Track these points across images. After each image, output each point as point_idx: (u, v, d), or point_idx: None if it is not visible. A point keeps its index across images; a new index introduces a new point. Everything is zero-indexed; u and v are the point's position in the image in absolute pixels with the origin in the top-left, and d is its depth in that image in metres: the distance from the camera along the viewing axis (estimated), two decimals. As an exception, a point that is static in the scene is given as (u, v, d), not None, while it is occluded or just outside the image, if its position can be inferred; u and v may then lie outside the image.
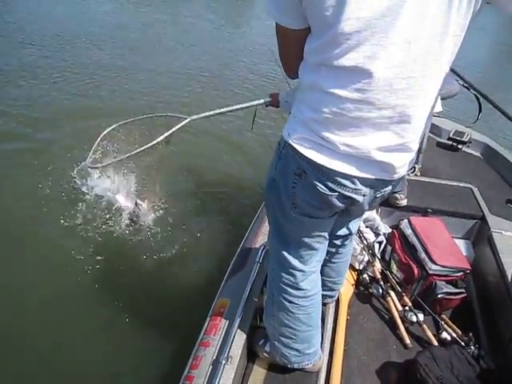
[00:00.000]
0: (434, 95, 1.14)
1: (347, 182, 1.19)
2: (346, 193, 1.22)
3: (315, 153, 1.17)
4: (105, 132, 2.20)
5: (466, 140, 3.22)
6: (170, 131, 1.88)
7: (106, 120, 2.79)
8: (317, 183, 1.21)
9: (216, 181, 3.94)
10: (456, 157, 3.17)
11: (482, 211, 2.61)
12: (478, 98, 3.17)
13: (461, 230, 2.62)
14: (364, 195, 1.25)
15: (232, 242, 2.63)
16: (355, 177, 1.18)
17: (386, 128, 1.12)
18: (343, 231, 1.68)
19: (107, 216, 3.23)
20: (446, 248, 2.28)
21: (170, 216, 3.34)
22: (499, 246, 2.36)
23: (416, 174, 2.87)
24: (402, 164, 1.22)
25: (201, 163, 4.13)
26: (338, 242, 1.72)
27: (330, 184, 1.20)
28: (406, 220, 2.39)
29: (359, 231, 2.32)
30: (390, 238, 2.40)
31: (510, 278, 2.13)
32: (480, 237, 2.57)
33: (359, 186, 1.21)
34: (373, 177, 1.20)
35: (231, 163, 4.27)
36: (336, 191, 1.21)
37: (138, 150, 1.89)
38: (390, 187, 1.32)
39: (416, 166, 2.88)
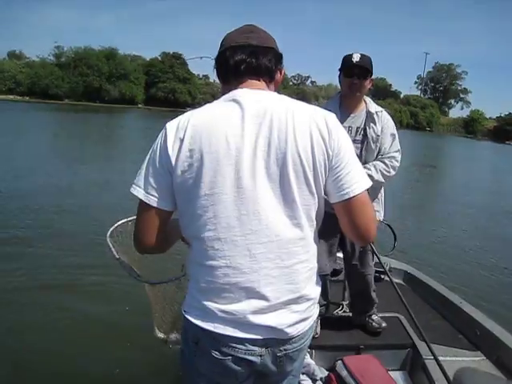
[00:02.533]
0: (299, 258, 1.23)
1: (237, 345, 1.22)
2: (238, 355, 1.23)
3: (201, 320, 1.23)
4: (116, 224, 2.01)
5: (387, 269, 3.41)
6: None
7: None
8: (210, 349, 1.23)
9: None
10: (379, 287, 3.32)
11: (412, 339, 2.68)
12: (390, 227, 3.40)
13: (395, 362, 2.64)
14: (260, 355, 1.25)
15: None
16: (242, 339, 1.21)
17: (256, 291, 1.19)
18: None
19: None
20: (382, 385, 2.30)
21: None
22: (433, 374, 2.39)
23: (345, 311, 2.95)
24: (287, 323, 1.23)
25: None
26: None
27: (222, 348, 1.22)
28: (340, 361, 2.40)
29: (296, 380, 2.30)
30: (327, 382, 2.37)
31: None
32: (415, 366, 2.60)
33: (250, 347, 1.23)
34: (261, 337, 1.22)
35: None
36: (229, 354, 1.22)
37: None
38: (292, 345, 1.29)
39: (343, 302, 2.98)
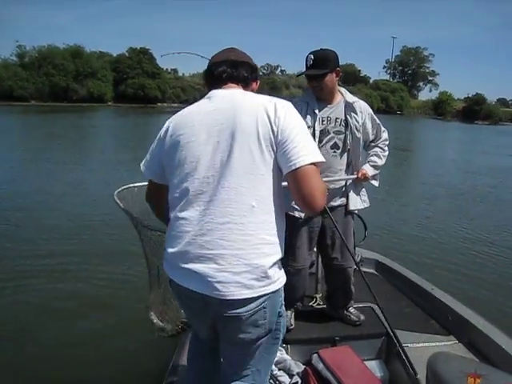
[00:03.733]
0: (231, 218, 1.42)
1: (183, 288, 1.49)
2: (186, 298, 1.53)
3: (165, 266, 1.56)
4: (119, 189, 2.11)
5: (358, 260, 3.42)
6: None
7: None
8: (175, 290, 1.56)
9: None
10: None
11: (386, 328, 2.71)
12: (360, 217, 3.40)
13: (371, 351, 2.67)
14: (199, 301, 1.47)
15: None
16: (184, 286, 1.48)
17: (195, 239, 1.44)
18: None
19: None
20: (359, 376, 2.31)
21: None
22: (408, 361, 2.44)
23: (319, 304, 2.96)
24: (215, 278, 1.40)
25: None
26: None
27: (177, 288, 1.52)
28: (315, 355, 2.42)
29: (273, 376, 2.30)
30: (304, 377, 2.38)
31: None
32: (390, 354, 2.63)
33: (190, 294, 1.47)
34: (197, 287, 1.44)
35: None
36: (182, 295, 1.54)
37: None
38: (228, 308, 1.43)
39: (316, 295, 2.99)
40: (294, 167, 1.39)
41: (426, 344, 2.58)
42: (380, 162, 2.74)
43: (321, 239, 2.71)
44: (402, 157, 17.51)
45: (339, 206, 2.69)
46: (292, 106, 1.51)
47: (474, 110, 63.29)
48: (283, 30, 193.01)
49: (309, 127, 2.52)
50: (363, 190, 2.76)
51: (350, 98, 2.63)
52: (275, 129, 1.42)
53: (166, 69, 54.81)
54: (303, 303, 2.90)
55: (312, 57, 2.48)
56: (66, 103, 40.22)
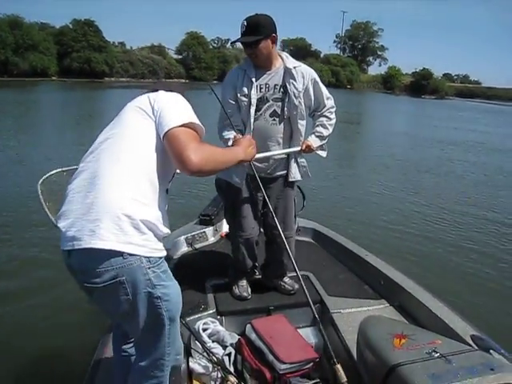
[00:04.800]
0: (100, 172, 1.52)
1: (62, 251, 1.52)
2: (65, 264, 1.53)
3: None
4: (44, 177, 2.05)
5: (296, 228, 3.43)
6: None
7: None
8: None
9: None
10: None
11: (320, 295, 2.75)
12: (299, 187, 3.38)
13: (306, 319, 2.70)
14: (73, 273, 1.52)
15: None
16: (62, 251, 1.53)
17: (71, 196, 1.54)
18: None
19: None
20: (291, 343, 2.34)
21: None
22: (340, 325, 2.49)
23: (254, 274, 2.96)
24: (75, 228, 1.44)
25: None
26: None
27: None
28: (249, 325, 2.42)
29: (206, 348, 2.29)
30: (238, 347, 2.38)
31: (355, 355, 2.22)
32: (324, 320, 2.67)
33: (65, 259, 1.52)
34: (64, 248, 1.48)
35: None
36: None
37: None
38: (83, 276, 1.47)
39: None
40: (166, 129, 1.53)
41: (359, 309, 2.64)
42: (326, 132, 2.69)
43: (263, 209, 2.70)
44: (353, 130, 17.80)
45: (280, 176, 2.68)
46: (177, 95, 1.70)
47: (422, 85, 65.16)
48: (234, 2, 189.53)
49: (245, 95, 2.48)
50: (304, 161, 2.73)
51: (291, 63, 2.55)
52: (152, 102, 1.63)
53: (113, 42, 52.73)
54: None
55: (245, 23, 2.39)
56: (6, 77, 37.98)
